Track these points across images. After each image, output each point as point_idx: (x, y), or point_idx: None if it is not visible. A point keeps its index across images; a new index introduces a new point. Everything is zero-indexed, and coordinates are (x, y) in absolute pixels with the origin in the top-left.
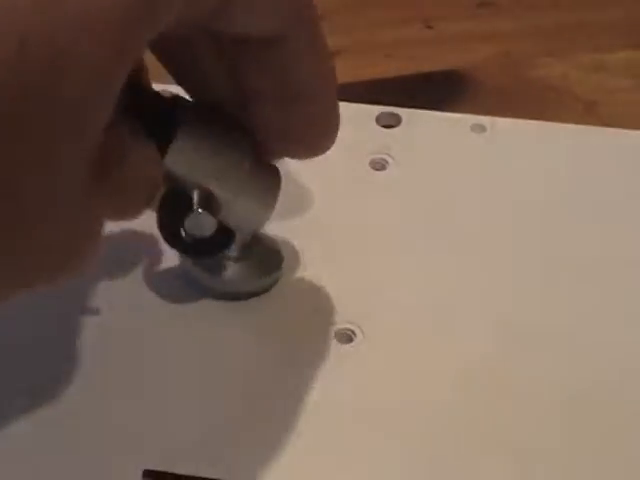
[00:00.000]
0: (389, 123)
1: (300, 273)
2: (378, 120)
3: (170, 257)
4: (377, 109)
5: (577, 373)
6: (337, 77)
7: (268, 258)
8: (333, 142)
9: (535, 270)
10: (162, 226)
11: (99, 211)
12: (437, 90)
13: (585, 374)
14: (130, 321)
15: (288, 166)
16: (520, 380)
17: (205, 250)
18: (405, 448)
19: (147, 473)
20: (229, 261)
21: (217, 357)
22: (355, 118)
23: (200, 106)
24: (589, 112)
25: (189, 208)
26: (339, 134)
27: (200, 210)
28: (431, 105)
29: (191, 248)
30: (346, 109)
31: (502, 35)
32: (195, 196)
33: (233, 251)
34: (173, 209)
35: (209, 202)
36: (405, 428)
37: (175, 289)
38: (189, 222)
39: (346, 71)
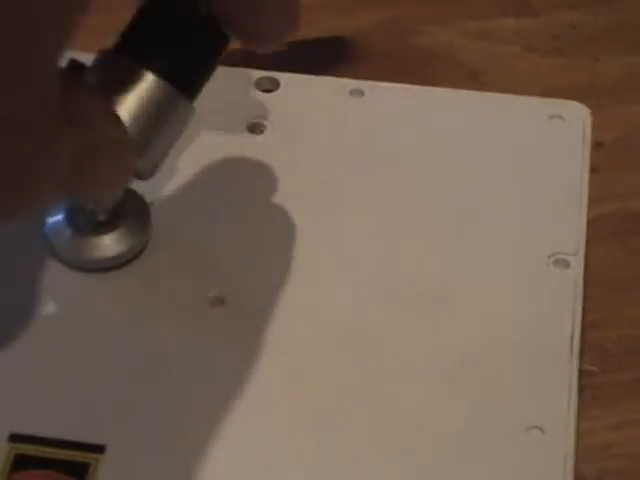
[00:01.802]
0: (268, 87)
1: (172, 239)
2: (257, 85)
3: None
4: (257, 73)
5: (443, 333)
6: None
7: (134, 224)
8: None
9: (413, 236)
10: None
11: (60, 150)
12: (321, 56)
13: (451, 334)
14: None
15: None
16: (389, 340)
17: None
18: (277, 410)
19: (13, 437)
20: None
21: (91, 326)
22: (233, 82)
23: None
24: (473, 79)
25: None
26: (216, 97)
27: None
28: (314, 71)
29: None
30: (224, 73)
31: (388, 1)
32: None
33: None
34: None
35: None
36: (279, 390)
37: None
38: None
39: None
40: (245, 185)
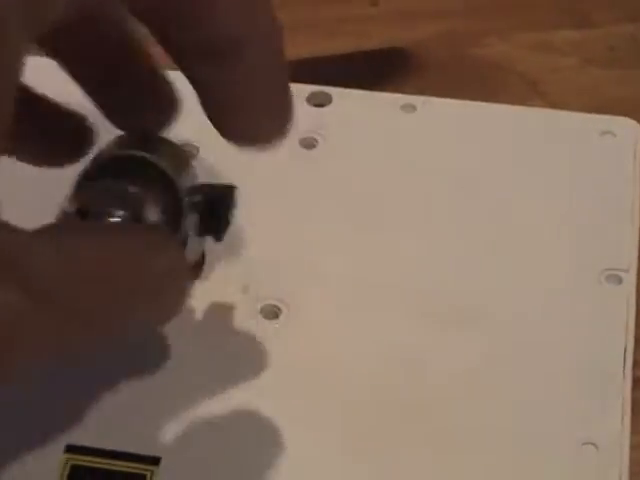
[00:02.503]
0: (320, 102)
1: (227, 253)
2: (309, 99)
3: None
4: (309, 88)
5: (493, 349)
6: None
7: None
8: (287, 118)
9: (465, 252)
10: None
11: None
12: (379, 68)
13: (501, 349)
14: None
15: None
16: (434, 357)
17: None
18: (325, 427)
19: (70, 448)
20: None
21: (143, 339)
22: None
23: None
24: (533, 91)
25: None
26: None
27: None
28: (373, 83)
29: None
30: None
31: (447, 13)
32: None
33: None
34: None
35: None
36: (326, 407)
37: None
38: None
39: (287, 49)
40: (297, 199)
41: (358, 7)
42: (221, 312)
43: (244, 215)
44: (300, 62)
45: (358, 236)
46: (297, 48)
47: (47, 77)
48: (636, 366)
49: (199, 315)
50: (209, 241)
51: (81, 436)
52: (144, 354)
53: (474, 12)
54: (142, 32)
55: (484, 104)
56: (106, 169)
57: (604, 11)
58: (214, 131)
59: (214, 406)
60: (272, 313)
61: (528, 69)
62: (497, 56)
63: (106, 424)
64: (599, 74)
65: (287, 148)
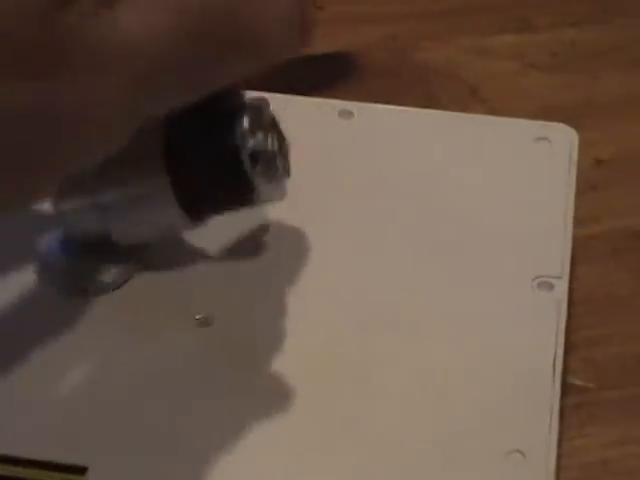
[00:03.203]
0: None
1: (161, 264)
2: None
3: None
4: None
5: (423, 355)
6: None
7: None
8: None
9: (396, 260)
10: None
11: None
12: (319, 72)
13: (431, 355)
14: None
15: None
16: (366, 364)
17: None
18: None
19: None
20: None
21: (80, 348)
22: None
23: None
24: (474, 96)
25: None
26: None
27: None
28: (315, 88)
29: None
30: None
31: (388, 17)
32: None
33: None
34: None
35: None
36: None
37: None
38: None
39: None
40: None
41: None
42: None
43: None
44: None
45: (295, 246)
46: None
47: None
48: (568, 373)
49: (134, 321)
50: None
51: (7, 446)
52: (71, 356)
53: (415, 17)
54: None
55: (421, 110)
56: None
57: (545, 16)
58: None
59: (144, 415)
60: (206, 322)
61: (469, 74)
62: (438, 61)
63: (33, 434)
64: (540, 79)
65: None
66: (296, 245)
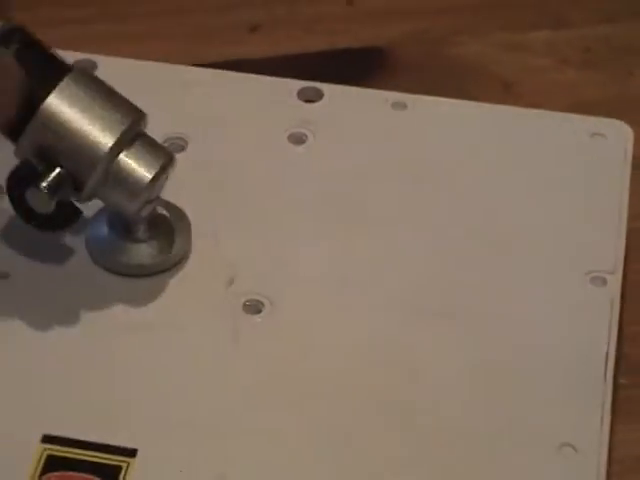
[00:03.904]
0: (311, 98)
1: (212, 247)
2: (299, 94)
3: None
4: (299, 83)
5: (476, 348)
6: (255, 52)
7: (175, 233)
8: None
9: (450, 251)
10: (12, 199)
11: None
12: (355, 66)
13: (484, 348)
14: (37, 290)
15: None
16: (417, 354)
17: (50, 226)
18: (304, 419)
19: (46, 438)
20: (137, 240)
21: (122, 330)
22: (275, 92)
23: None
24: (507, 91)
25: (32, 183)
26: (257, 107)
27: (41, 186)
28: (348, 81)
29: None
30: (266, 83)
31: (421, 12)
32: (41, 170)
33: (139, 232)
34: (19, 183)
35: (59, 181)
36: (305, 399)
37: (80, 263)
38: (29, 197)
39: (264, 46)
40: (285, 195)
41: (334, 5)
42: (204, 304)
43: (233, 210)
44: (277, 58)
45: (345, 233)
46: (275, 45)
47: None
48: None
49: (182, 306)
50: (195, 231)
51: (58, 426)
52: (125, 344)
53: (448, 11)
54: None
55: (475, 103)
56: None
57: (580, 12)
58: (203, 125)
59: (192, 400)
60: (255, 308)
61: (503, 69)
62: (471, 56)
63: (84, 415)
64: (574, 75)
65: (276, 143)
66: (343, 236)
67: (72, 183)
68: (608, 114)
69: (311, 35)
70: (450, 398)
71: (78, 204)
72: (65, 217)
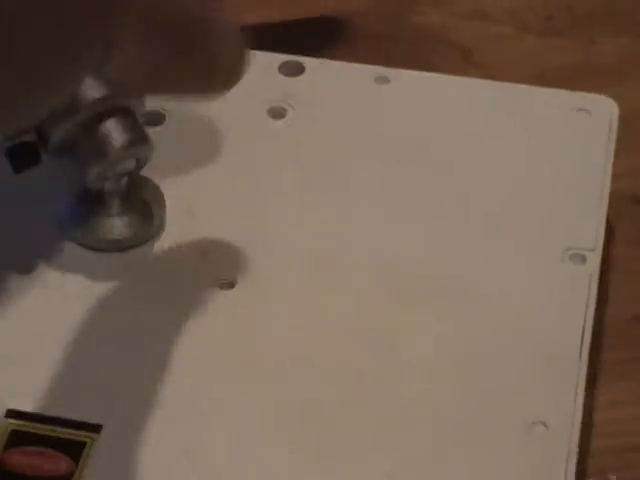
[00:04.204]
0: (291, 72)
1: (186, 222)
2: (280, 68)
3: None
4: (281, 57)
5: (450, 324)
6: None
7: (150, 208)
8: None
9: (429, 228)
10: None
11: None
12: (313, 36)
13: (458, 325)
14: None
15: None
16: (390, 331)
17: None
18: (272, 396)
19: (10, 413)
20: (111, 214)
21: (97, 305)
22: (255, 65)
23: None
24: (468, 60)
25: None
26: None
27: None
28: (306, 51)
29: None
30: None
31: None
32: None
33: (113, 206)
34: None
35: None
36: (274, 377)
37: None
38: None
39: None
40: (264, 170)
41: None
42: (177, 278)
43: (211, 183)
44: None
45: (326, 208)
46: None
47: None
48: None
49: (156, 278)
50: (171, 205)
51: (22, 401)
52: (93, 319)
53: None
54: None
55: (460, 78)
56: None
57: None
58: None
59: (160, 376)
60: (228, 283)
61: (462, 37)
62: (431, 25)
63: (48, 390)
64: (535, 42)
65: (255, 117)
66: (324, 211)
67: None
68: (570, 81)
69: (268, 4)
70: (420, 373)
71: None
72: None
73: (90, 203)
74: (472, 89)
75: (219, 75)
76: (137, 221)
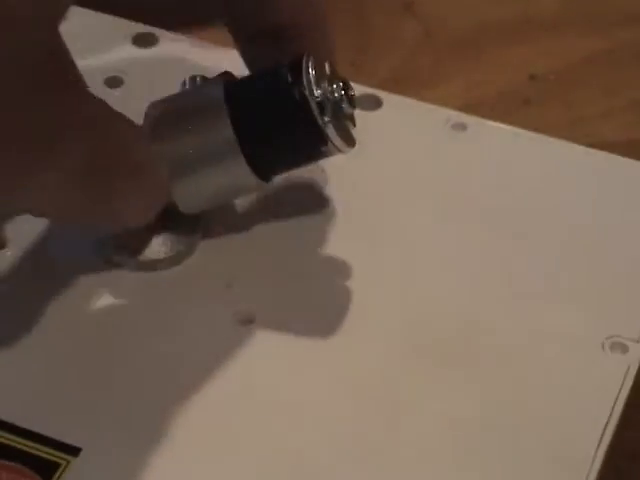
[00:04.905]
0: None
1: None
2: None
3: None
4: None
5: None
6: None
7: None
8: None
9: (462, 285)
10: None
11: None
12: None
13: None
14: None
15: None
16: (419, 404)
17: None
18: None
19: None
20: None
21: (113, 324)
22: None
23: None
24: (407, 10)
25: None
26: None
27: None
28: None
29: None
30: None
31: None
32: None
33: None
34: None
35: None
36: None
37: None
38: None
39: None
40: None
41: None
42: (198, 304)
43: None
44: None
45: (355, 252)
46: None
47: None
48: None
49: (175, 305)
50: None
51: (6, 412)
52: (93, 336)
53: None
54: None
55: (535, 135)
56: None
57: None
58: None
59: (155, 405)
60: (248, 320)
61: None
62: None
63: (31, 404)
64: None
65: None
66: (356, 251)
67: None
68: (511, 33)
69: None
70: (427, 453)
71: None
72: None
73: None
74: (564, 153)
75: None
76: (171, 241)
